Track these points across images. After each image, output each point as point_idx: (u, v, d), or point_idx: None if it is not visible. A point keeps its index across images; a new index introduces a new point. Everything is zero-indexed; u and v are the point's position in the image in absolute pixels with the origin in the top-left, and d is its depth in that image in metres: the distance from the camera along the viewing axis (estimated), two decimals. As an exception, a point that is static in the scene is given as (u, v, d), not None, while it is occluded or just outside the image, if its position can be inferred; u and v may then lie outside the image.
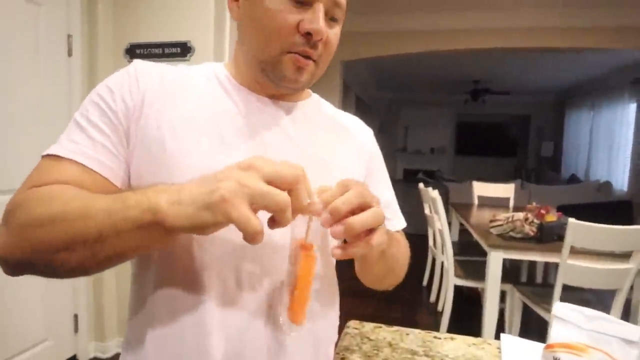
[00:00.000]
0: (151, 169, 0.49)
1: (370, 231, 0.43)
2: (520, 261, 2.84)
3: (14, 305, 1.58)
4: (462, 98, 6.84)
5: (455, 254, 2.35)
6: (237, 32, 0.56)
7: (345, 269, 0.68)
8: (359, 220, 0.41)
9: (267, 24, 0.48)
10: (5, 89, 1.49)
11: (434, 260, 2.98)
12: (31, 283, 1.61)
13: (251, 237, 0.36)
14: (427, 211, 2.89)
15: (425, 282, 3.20)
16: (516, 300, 2.00)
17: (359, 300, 2.77)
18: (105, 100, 0.49)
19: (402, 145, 8.07)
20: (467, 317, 2.49)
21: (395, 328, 0.73)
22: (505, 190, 3.27)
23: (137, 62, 0.54)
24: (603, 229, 1.55)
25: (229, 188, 0.36)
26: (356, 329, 0.72)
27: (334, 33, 0.52)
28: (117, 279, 1.98)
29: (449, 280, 2.27)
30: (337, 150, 0.60)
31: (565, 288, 1.66)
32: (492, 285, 1.89)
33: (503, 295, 2.06)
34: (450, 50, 3.62)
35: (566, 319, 0.51)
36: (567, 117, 6.82)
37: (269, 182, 0.37)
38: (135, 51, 1.86)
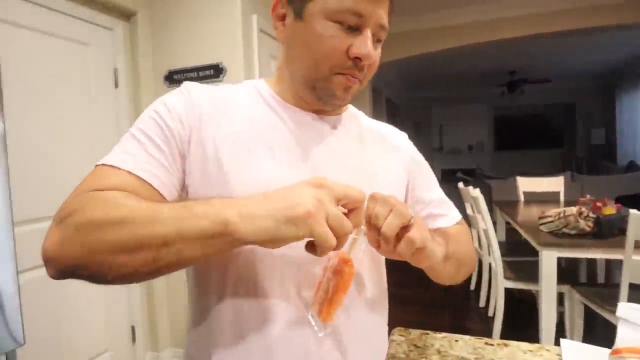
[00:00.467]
0: (209, 186, 0.51)
1: (406, 229, 0.45)
2: (579, 260, 2.64)
3: (78, 319, 1.69)
4: (498, 91, 6.57)
5: (503, 255, 2.23)
6: (282, 53, 0.59)
7: (386, 276, 0.68)
8: (387, 226, 0.43)
9: (319, 48, 0.50)
10: (61, 122, 1.64)
11: (480, 262, 2.86)
12: (91, 297, 1.74)
13: (324, 251, 0.39)
14: (469, 211, 2.78)
15: (473, 286, 3.06)
16: (576, 302, 1.86)
17: (403, 307, 2.71)
18: (162, 117, 0.51)
19: (438, 144, 7.87)
20: (521, 323, 2.35)
21: (444, 334, 0.70)
22: (553, 183, 3.07)
23: (189, 84, 0.56)
24: (671, 219, 1.42)
25: (313, 204, 0.38)
26: (402, 336, 0.71)
27: (377, 53, 0.54)
28: (168, 292, 2.09)
29: (498, 283, 2.16)
30: (379, 160, 0.62)
31: (633, 287, 1.52)
32: (547, 287, 1.77)
33: (561, 298, 1.92)
34: (480, 43, 3.50)
35: (633, 321, 0.47)
36: (618, 100, 6.33)
37: (338, 201, 0.40)
38: (173, 77, 1.98)
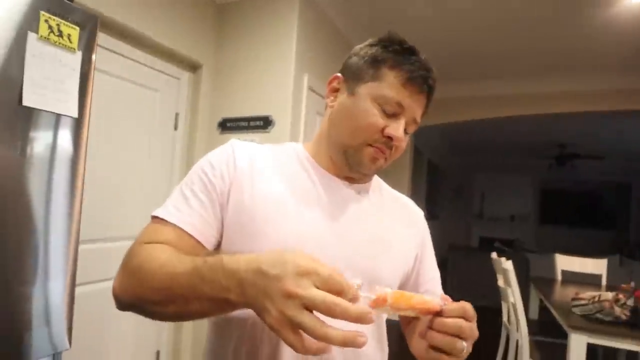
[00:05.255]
0: (240, 236, 0.59)
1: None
2: (617, 350, 2.41)
3: (109, 342, 1.77)
4: (545, 163, 6.40)
5: (533, 333, 2.11)
6: (326, 118, 0.68)
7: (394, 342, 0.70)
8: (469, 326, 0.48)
9: (361, 120, 0.60)
10: (126, 154, 1.86)
11: (508, 337, 2.68)
12: (122, 321, 1.82)
13: (306, 353, 0.38)
14: (500, 283, 2.67)
15: (500, 363, 2.84)
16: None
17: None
18: (207, 175, 0.61)
19: (478, 211, 7.63)
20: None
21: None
22: (595, 265, 2.89)
23: (234, 142, 0.65)
24: None
25: (276, 317, 0.39)
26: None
27: (405, 140, 0.63)
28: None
29: (524, 363, 2.03)
30: (396, 231, 0.69)
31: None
32: (575, 373, 1.65)
33: (591, 389, 1.77)
34: (531, 115, 3.46)
35: None
36: (679, 186, 5.90)
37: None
38: (226, 124, 2.21)
